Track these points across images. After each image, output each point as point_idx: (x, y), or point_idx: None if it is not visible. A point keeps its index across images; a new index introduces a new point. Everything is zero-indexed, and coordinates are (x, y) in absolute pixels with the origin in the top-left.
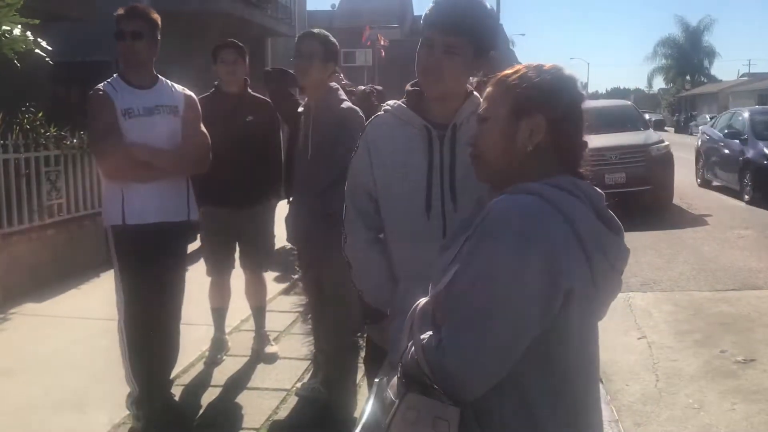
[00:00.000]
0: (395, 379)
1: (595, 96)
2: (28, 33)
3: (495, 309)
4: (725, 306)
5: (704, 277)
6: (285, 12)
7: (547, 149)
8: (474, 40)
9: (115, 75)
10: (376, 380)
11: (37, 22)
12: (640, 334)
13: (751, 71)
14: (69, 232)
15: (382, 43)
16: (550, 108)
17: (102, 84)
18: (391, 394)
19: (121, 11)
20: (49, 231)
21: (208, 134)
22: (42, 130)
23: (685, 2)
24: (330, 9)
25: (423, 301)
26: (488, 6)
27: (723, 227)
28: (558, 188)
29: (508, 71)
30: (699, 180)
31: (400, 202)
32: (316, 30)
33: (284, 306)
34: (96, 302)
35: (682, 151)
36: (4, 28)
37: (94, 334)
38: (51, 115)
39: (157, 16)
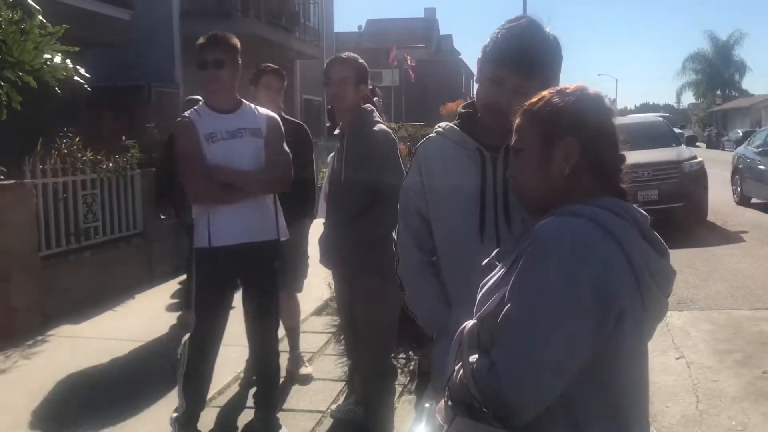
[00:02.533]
0: (442, 402)
1: (624, 112)
2: (68, 60)
3: (548, 331)
4: (765, 325)
5: (742, 295)
6: (313, 34)
7: (584, 170)
8: (543, 80)
9: (200, 102)
10: (426, 405)
11: (77, 49)
12: (678, 354)
13: None
14: (105, 255)
15: (409, 63)
16: (579, 129)
17: (188, 111)
18: (439, 418)
19: (202, 40)
20: (85, 253)
21: (290, 154)
22: (79, 155)
23: (714, 17)
24: (357, 30)
25: (470, 323)
26: (552, 39)
27: (759, 244)
28: (605, 209)
29: (532, 100)
30: (736, 197)
31: (453, 224)
32: (344, 54)
33: (317, 327)
34: (132, 324)
35: (715, 167)
36: (46, 56)
37: (130, 356)
38: (87, 140)
39: (236, 42)
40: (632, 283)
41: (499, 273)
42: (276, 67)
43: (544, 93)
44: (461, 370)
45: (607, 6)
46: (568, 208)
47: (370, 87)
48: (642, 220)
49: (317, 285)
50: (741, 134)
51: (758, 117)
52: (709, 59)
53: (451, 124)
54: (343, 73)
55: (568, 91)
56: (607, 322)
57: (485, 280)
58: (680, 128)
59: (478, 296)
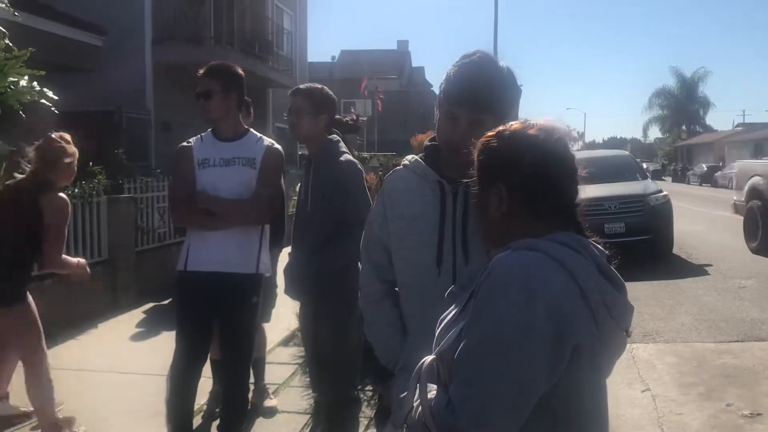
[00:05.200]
0: None
1: (592, 145)
2: (35, 83)
3: (502, 367)
4: (729, 358)
5: (706, 327)
6: (287, 63)
7: (520, 212)
8: (497, 114)
9: (209, 129)
10: None
11: (43, 73)
12: (643, 387)
13: (746, 121)
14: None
15: (379, 94)
16: (507, 174)
17: (193, 138)
18: None
19: (201, 71)
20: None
21: (282, 187)
22: None
23: (680, 54)
24: (330, 60)
25: (429, 358)
26: (506, 72)
27: (723, 277)
28: (560, 244)
29: (483, 138)
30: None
31: (412, 255)
32: (303, 86)
33: (283, 358)
34: (94, 354)
35: (681, 200)
36: (11, 79)
37: (90, 387)
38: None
39: (235, 72)
40: (588, 317)
41: (457, 307)
42: None
43: (490, 133)
44: (420, 406)
45: (576, 41)
46: (524, 242)
47: (352, 118)
48: (599, 255)
49: (284, 315)
50: (705, 169)
51: (722, 152)
52: (674, 95)
53: (416, 158)
54: (300, 103)
55: (506, 133)
56: (563, 357)
57: (444, 314)
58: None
59: (437, 331)
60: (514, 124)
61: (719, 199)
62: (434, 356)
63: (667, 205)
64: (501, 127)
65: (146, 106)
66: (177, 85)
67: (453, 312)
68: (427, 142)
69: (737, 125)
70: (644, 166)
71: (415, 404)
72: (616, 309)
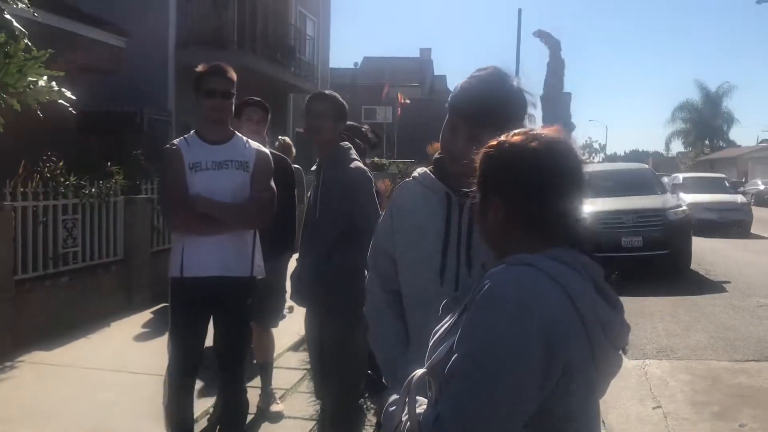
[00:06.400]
0: None
1: (614, 158)
2: (53, 84)
3: (492, 384)
4: (744, 377)
5: (722, 346)
6: (308, 69)
7: (515, 225)
8: (498, 130)
9: (192, 132)
10: None
11: (62, 73)
12: (655, 404)
13: None
14: (82, 281)
15: (401, 101)
16: (503, 187)
17: (177, 140)
18: None
19: (205, 68)
20: (62, 278)
21: (275, 191)
22: (62, 179)
23: (704, 68)
24: (353, 67)
25: (419, 372)
26: (514, 90)
27: (741, 295)
28: (556, 260)
29: (485, 147)
30: None
31: (416, 265)
32: (327, 91)
33: (292, 362)
34: (104, 353)
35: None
36: (30, 79)
37: (99, 386)
38: (73, 164)
39: (234, 74)
40: (582, 336)
41: (450, 320)
42: (258, 99)
43: (492, 142)
44: (407, 421)
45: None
46: (519, 257)
47: (376, 135)
48: (596, 271)
49: (297, 319)
50: (728, 184)
51: (745, 167)
52: (698, 109)
53: (425, 170)
54: (324, 107)
55: (506, 144)
56: (554, 375)
57: (437, 327)
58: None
59: (430, 343)
60: (516, 135)
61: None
62: (425, 369)
63: (686, 220)
64: (503, 137)
65: (168, 108)
66: None
67: (446, 324)
68: (436, 155)
69: (761, 141)
70: (664, 179)
71: (403, 418)
72: (611, 328)
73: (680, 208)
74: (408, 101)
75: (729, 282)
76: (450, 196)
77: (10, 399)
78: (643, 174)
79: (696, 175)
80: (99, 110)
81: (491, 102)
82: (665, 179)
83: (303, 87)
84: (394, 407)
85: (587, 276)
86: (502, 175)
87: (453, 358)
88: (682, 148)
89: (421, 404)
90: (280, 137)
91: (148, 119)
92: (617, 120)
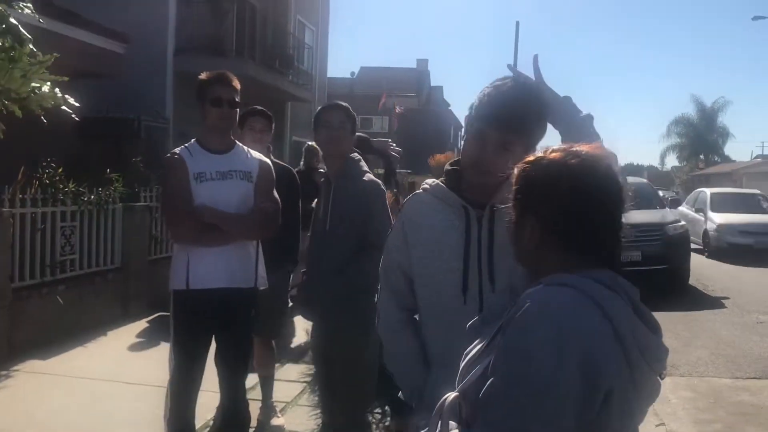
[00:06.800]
0: None
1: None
2: (57, 90)
3: (531, 409)
4: (747, 395)
5: (723, 362)
6: (306, 78)
7: (553, 247)
8: (528, 138)
9: (192, 140)
10: None
11: (66, 79)
12: (658, 421)
13: (765, 153)
14: (79, 289)
15: (396, 110)
16: (540, 206)
17: (179, 148)
18: None
19: (210, 76)
20: (59, 286)
21: (279, 201)
22: (61, 186)
23: (699, 83)
24: (350, 76)
25: (452, 395)
26: (541, 99)
27: (740, 311)
28: (595, 281)
29: (521, 163)
30: None
31: (436, 282)
32: (342, 103)
33: (292, 375)
34: (101, 363)
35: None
36: (34, 85)
37: (97, 397)
38: (72, 170)
39: (238, 83)
40: (622, 360)
41: (483, 343)
42: (262, 108)
43: (530, 158)
44: None
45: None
46: (557, 278)
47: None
48: (634, 293)
49: (295, 332)
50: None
51: (740, 183)
52: (693, 124)
53: (437, 181)
54: (343, 118)
55: (544, 161)
56: (595, 401)
57: (468, 348)
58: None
59: (461, 365)
60: (555, 151)
61: None
62: (457, 393)
63: (684, 235)
64: (541, 153)
65: (165, 115)
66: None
67: (478, 347)
68: (448, 166)
69: (756, 156)
70: (661, 194)
71: None
72: (651, 352)
73: (679, 223)
74: (400, 109)
75: (728, 298)
76: (467, 209)
77: (7, 409)
78: (641, 188)
79: (726, 191)
80: (96, 116)
81: (519, 110)
82: (662, 193)
83: (301, 96)
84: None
85: (626, 298)
86: (540, 194)
87: (488, 384)
88: (677, 163)
89: (452, 429)
90: (309, 143)
91: (146, 126)
92: (612, 133)
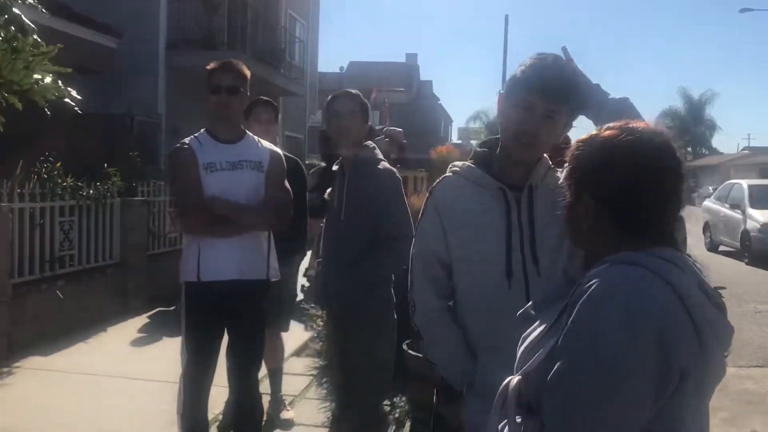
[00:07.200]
0: None
1: None
2: (59, 82)
3: (607, 390)
4: (750, 383)
5: None
6: (297, 72)
7: (609, 227)
8: (570, 109)
9: (202, 130)
10: None
11: (69, 71)
12: None
13: (751, 145)
14: (79, 284)
15: (386, 105)
16: (594, 186)
17: (188, 138)
18: None
19: (215, 65)
20: (59, 282)
21: (291, 192)
22: (59, 180)
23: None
24: (338, 71)
25: (514, 379)
26: (579, 70)
27: (738, 301)
28: (662, 259)
29: (575, 143)
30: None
31: (478, 268)
32: (350, 90)
33: (297, 368)
34: (103, 358)
35: (688, 222)
36: (36, 76)
37: (102, 392)
38: (69, 166)
39: (248, 72)
40: (694, 339)
41: (543, 325)
42: (267, 98)
43: (583, 137)
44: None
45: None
46: (624, 256)
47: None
48: (699, 270)
49: (297, 325)
50: (711, 191)
51: (727, 175)
52: (681, 117)
53: (467, 164)
54: (352, 107)
55: (598, 139)
56: (670, 380)
57: (526, 332)
58: None
59: (519, 350)
60: (610, 129)
61: None
62: (520, 377)
63: (679, 224)
64: (594, 132)
65: (157, 110)
66: (189, 91)
67: (539, 330)
68: (477, 147)
69: (743, 149)
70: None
71: (499, 428)
72: (718, 330)
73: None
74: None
75: (724, 288)
76: (505, 191)
77: (12, 406)
78: None
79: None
80: (89, 112)
81: (565, 80)
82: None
83: (292, 90)
84: (481, 417)
85: (692, 275)
86: (594, 174)
87: (557, 365)
88: None
89: (518, 416)
90: (389, 127)
91: (138, 121)
92: None
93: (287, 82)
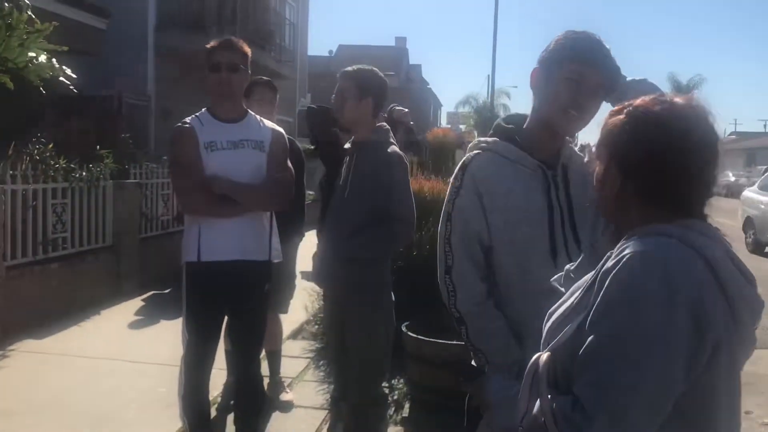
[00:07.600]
0: None
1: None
2: (54, 60)
3: (642, 363)
4: (746, 365)
5: None
6: (288, 55)
7: (634, 198)
8: (611, 83)
9: (203, 109)
10: None
11: (65, 48)
12: None
13: (738, 130)
14: (72, 267)
15: None
16: (620, 157)
17: (189, 117)
18: None
19: (215, 43)
20: (52, 265)
21: (293, 171)
22: (51, 162)
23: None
24: (328, 55)
25: (544, 355)
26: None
27: None
28: (695, 231)
29: (609, 113)
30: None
31: (522, 249)
32: (351, 67)
33: (295, 351)
34: (98, 341)
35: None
36: (31, 54)
37: (94, 374)
38: (60, 147)
39: (248, 50)
40: (727, 311)
41: (571, 300)
42: (267, 78)
43: (615, 108)
44: (537, 408)
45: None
46: (655, 227)
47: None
48: (728, 244)
49: (295, 307)
50: None
51: None
52: None
53: (497, 140)
54: (344, 86)
55: (628, 109)
56: (704, 352)
57: (552, 308)
58: None
59: (546, 325)
60: (643, 100)
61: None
62: (549, 353)
63: None
64: (627, 102)
65: (147, 92)
66: (178, 72)
67: (568, 302)
68: (503, 123)
69: (730, 134)
70: None
71: (529, 405)
72: (750, 303)
73: None
74: None
75: None
76: (544, 169)
77: (9, 390)
78: None
79: None
80: (78, 94)
81: (608, 53)
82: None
83: (283, 73)
84: (507, 394)
85: (723, 247)
86: (622, 145)
87: (590, 339)
88: None
89: (549, 393)
90: (396, 107)
91: (127, 103)
92: None
93: (277, 65)
